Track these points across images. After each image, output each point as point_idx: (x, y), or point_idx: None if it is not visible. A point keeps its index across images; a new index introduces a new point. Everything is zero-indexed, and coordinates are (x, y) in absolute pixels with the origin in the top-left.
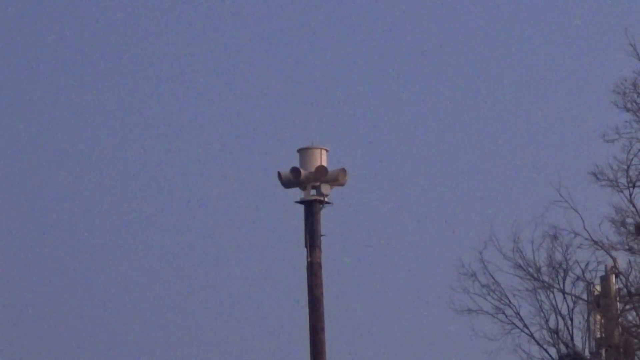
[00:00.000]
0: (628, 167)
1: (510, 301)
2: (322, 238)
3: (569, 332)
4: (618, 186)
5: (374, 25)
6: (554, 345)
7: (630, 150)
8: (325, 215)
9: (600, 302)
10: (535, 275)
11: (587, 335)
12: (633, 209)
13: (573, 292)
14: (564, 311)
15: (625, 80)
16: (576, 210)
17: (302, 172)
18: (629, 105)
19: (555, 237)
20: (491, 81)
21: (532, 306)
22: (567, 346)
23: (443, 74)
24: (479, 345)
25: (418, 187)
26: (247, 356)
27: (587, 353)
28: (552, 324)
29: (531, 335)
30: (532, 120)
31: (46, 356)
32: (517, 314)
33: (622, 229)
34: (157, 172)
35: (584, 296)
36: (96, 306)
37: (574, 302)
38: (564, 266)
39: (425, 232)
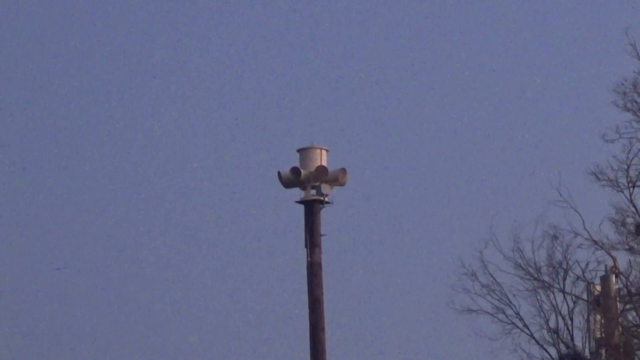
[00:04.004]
0: (628, 167)
1: (510, 301)
2: (322, 238)
3: (569, 332)
4: (618, 186)
5: (374, 25)
6: (554, 345)
7: (630, 150)
8: (325, 215)
9: (600, 302)
10: (535, 275)
11: (587, 335)
12: (633, 209)
13: (573, 292)
14: (564, 311)
15: (626, 80)
16: (576, 210)
17: (302, 172)
18: (629, 105)
19: (555, 237)
20: (491, 81)
21: (532, 306)
22: (567, 346)
23: (443, 74)
24: (479, 345)
25: (418, 187)
26: (248, 356)
27: (587, 353)
28: (552, 324)
29: (531, 335)
30: (532, 120)
31: (46, 356)
32: (517, 314)
33: (622, 229)
34: (157, 172)
35: (584, 296)
36: (95, 306)
37: (574, 302)
38: (564, 266)
39: (425, 232)
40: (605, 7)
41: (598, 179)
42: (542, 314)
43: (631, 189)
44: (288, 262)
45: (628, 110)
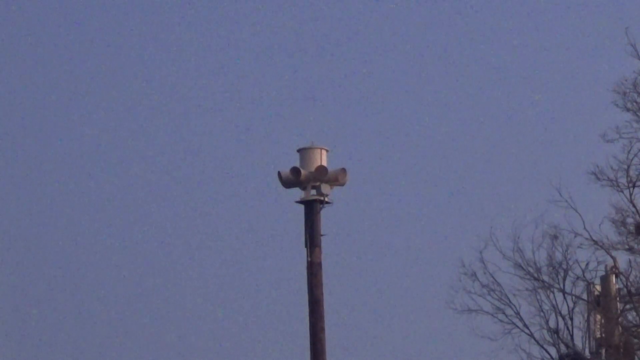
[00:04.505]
0: (628, 167)
1: (510, 301)
2: (322, 238)
3: (569, 332)
4: (618, 186)
5: (374, 25)
6: (554, 345)
7: (630, 150)
8: (325, 215)
9: (600, 302)
10: (535, 275)
11: (587, 335)
12: (633, 209)
13: (573, 292)
14: (564, 311)
15: (626, 80)
16: (576, 210)
17: (302, 172)
18: (629, 105)
19: (555, 237)
20: (491, 81)
21: (532, 306)
22: (567, 346)
23: (443, 73)
24: (479, 345)
25: (418, 187)
26: (248, 356)
27: (587, 353)
28: (552, 324)
29: (531, 335)
30: (533, 120)
31: (46, 356)
32: (517, 314)
33: (622, 228)
34: (157, 172)
35: (584, 296)
36: (94, 306)
37: (574, 302)
38: (564, 266)
39: (425, 232)
40: (605, 7)
41: (598, 179)
42: (542, 314)
43: (631, 189)
44: (288, 262)
45: (628, 110)
